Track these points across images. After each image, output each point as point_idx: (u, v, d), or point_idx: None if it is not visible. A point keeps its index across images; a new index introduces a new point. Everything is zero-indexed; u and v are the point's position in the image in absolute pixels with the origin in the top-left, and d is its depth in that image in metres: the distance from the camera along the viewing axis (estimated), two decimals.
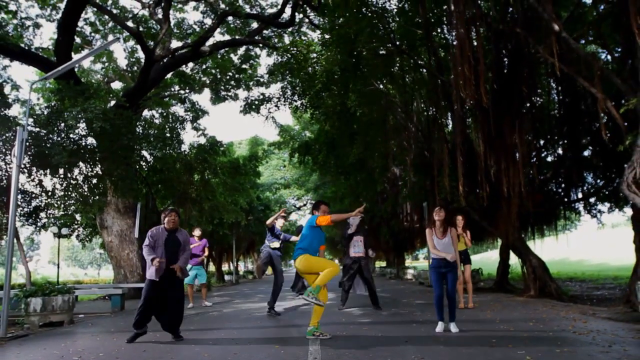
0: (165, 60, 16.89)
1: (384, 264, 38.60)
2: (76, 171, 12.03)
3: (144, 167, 15.53)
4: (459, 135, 10.95)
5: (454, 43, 10.20)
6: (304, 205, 40.97)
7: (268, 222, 8.75)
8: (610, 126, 14.76)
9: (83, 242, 18.97)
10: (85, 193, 11.60)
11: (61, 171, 11.84)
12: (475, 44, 9.62)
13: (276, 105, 16.08)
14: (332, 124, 14.64)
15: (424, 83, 14.25)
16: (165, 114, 18.25)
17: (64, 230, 16.99)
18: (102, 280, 28.06)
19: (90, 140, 11.90)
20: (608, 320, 7.04)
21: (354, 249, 8.91)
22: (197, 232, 11.11)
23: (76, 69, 19.30)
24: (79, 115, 9.28)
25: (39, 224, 12.37)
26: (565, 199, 17.62)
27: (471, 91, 8.13)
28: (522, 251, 12.00)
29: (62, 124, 10.24)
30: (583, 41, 13.62)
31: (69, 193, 11.73)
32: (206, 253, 11.22)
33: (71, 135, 10.58)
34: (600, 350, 4.75)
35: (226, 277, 29.86)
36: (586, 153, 16.28)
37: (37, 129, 10.66)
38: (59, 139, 10.82)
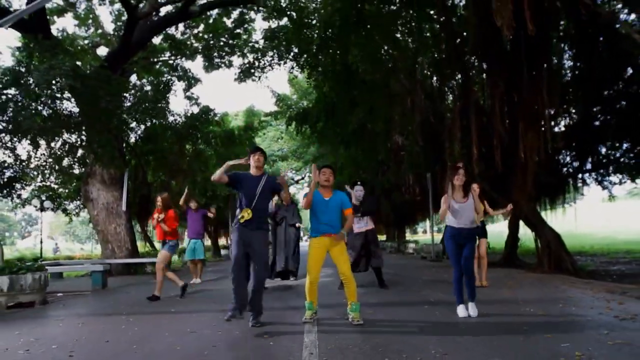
0: (151, 20, 15.65)
1: (383, 237, 37.91)
2: (57, 140, 11.04)
3: (131, 135, 14.53)
4: (472, 95, 9.85)
5: None
6: (302, 178, 40.01)
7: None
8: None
9: (70, 216, 18.06)
10: (64, 163, 10.63)
11: (42, 142, 10.86)
12: None
13: (270, 65, 14.89)
14: (332, 86, 13.50)
15: (429, 46, 13.11)
16: (155, 81, 17.09)
17: (48, 204, 16.07)
18: (95, 255, 27.34)
19: (68, 105, 10.88)
20: None
21: (357, 225, 7.94)
22: (192, 205, 10.26)
23: (60, 35, 18.09)
24: (47, 73, 8.14)
25: (14, 196, 11.42)
26: (577, 170, 16.80)
27: (508, 16, 6.97)
28: (536, 223, 11.11)
29: (33, 84, 9.18)
30: None
31: (47, 163, 10.78)
32: (212, 213, 10.38)
33: (43, 98, 9.52)
34: None
35: (222, 252, 29.14)
36: (597, 124, 15.44)
37: (7, 91, 9.61)
38: (31, 102, 9.78)
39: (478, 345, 3.94)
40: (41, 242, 19.49)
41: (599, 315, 5.13)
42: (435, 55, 12.77)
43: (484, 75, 11.08)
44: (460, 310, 5.22)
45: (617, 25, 9.20)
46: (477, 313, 5.16)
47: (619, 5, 13.02)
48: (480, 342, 4.04)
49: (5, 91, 9.58)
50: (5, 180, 10.83)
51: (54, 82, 8.45)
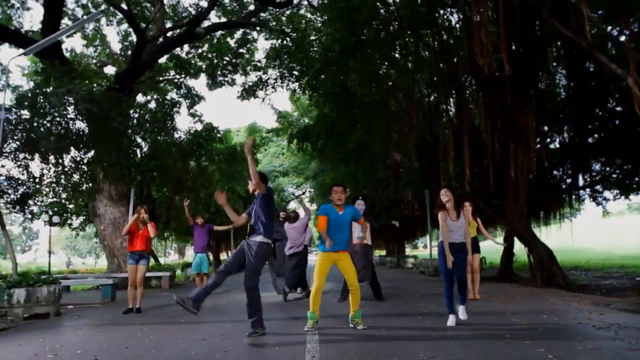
0: (159, 42, 16.28)
1: (383, 252, 38.24)
2: (66, 157, 11.56)
3: (137, 153, 15.02)
4: (465, 116, 10.37)
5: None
6: (303, 193, 40.44)
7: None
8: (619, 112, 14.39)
9: (76, 231, 18.49)
10: (74, 180, 11.13)
11: (52, 158, 11.36)
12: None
13: (273, 87, 15.50)
14: (332, 107, 14.07)
15: (426, 66, 13.68)
16: (160, 99, 17.70)
17: (56, 219, 16.55)
18: (99, 269, 27.70)
19: (80, 125, 11.41)
20: (625, 312, 6.60)
21: (357, 235, 8.27)
22: (199, 220, 10.79)
23: (69, 54, 18.74)
24: (64, 97, 8.70)
25: (27, 212, 11.90)
26: (571, 186, 17.21)
27: (488, 57, 7.49)
28: (529, 239, 11.54)
29: (48, 106, 9.71)
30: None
31: (58, 179, 11.28)
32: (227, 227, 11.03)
33: (58, 119, 10.06)
34: (626, 347, 4.30)
35: None
36: (590, 141, 15.88)
37: (22, 112, 10.16)
38: (46, 122, 10.31)
39: (462, 349, 4.38)
40: (49, 255, 19.89)
41: (578, 324, 5.57)
42: (433, 77, 13.33)
43: (480, 94, 11.63)
44: (450, 320, 5.65)
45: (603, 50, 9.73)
46: (467, 317, 5.59)
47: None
48: (464, 347, 4.48)
49: (21, 112, 10.12)
50: (19, 196, 11.32)
51: (69, 104, 9.01)
